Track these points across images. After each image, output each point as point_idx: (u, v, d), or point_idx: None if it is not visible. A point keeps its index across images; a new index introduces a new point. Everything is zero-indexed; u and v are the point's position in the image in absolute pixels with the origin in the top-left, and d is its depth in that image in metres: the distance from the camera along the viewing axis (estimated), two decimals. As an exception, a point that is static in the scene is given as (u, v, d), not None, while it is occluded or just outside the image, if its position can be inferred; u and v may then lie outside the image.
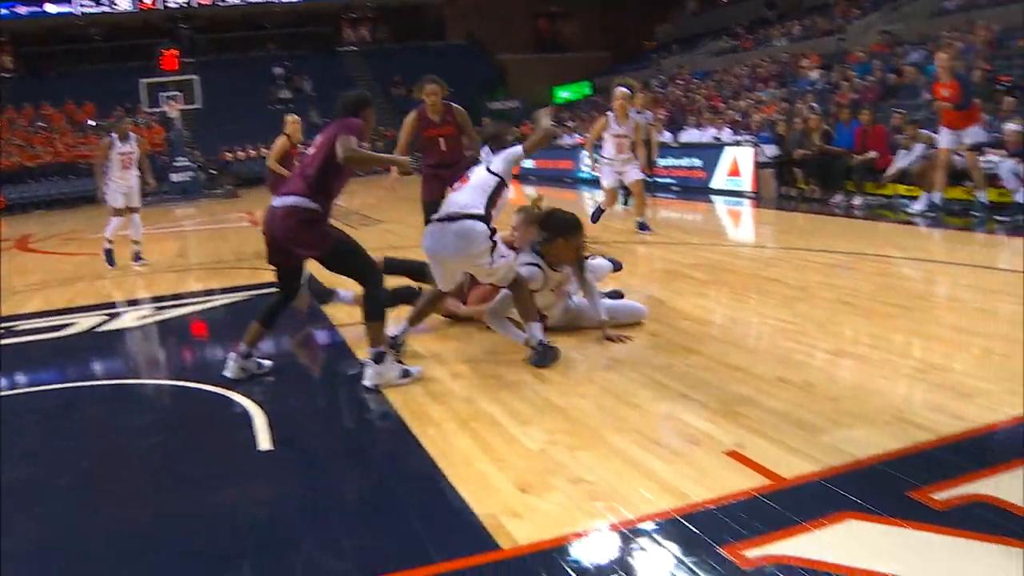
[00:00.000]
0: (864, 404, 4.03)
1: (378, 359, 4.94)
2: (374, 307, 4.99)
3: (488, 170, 5.39)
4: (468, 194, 5.27)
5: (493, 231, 5.16)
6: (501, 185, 5.33)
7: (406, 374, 5.02)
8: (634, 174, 10.55)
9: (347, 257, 5.02)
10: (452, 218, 5.17)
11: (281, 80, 41.84)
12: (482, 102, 38.27)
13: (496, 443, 3.92)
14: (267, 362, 5.52)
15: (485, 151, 5.76)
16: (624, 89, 10.59)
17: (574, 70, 42.36)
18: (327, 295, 6.67)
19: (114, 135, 11.32)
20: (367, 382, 4.93)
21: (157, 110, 33.71)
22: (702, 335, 5.55)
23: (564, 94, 40.25)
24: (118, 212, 11.34)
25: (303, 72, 42.47)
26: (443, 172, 7.45)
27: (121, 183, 11.21)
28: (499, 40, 43.73)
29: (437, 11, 47.18)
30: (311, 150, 5.07)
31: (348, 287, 6.14)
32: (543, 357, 5.09)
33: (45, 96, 39.63)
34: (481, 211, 5.14)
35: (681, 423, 3.97)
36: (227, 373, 5.31)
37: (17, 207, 29.82)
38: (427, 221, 6.70)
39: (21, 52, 44.72)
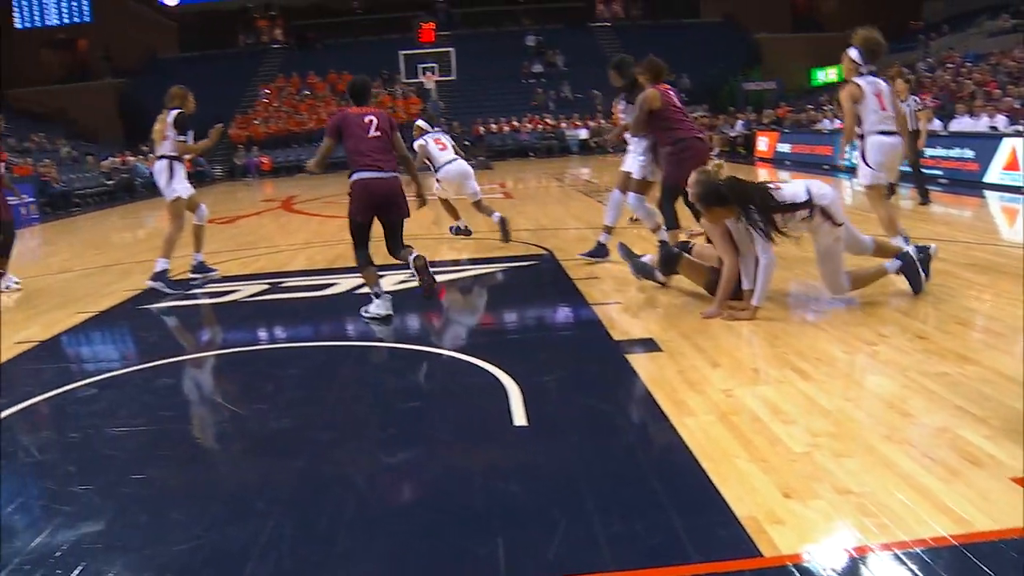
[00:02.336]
0: None
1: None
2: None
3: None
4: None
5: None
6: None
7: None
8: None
9: None
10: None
11: (534, 53, 42.38)
12: (737, 83, 37.43)
13: (758, 441, 3.76)
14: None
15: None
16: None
17: (833, 51, 40.52)
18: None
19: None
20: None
21: (414, 81, 34.99)
22: (978, 343, 5.13)
23: (822, 75, 38.67)
24: None
25: (556, 47, 42.85)
26: None
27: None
28: (755, 18, 42.52)
29: (692, -12, 46.37)
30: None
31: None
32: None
33: (311, 66, 42.01)
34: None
35: (959, 439, 3.66)
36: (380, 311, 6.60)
37: (283, 170, 31.84)
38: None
39: (291, 25, 47.57)
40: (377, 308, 6.63)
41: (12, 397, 5.14)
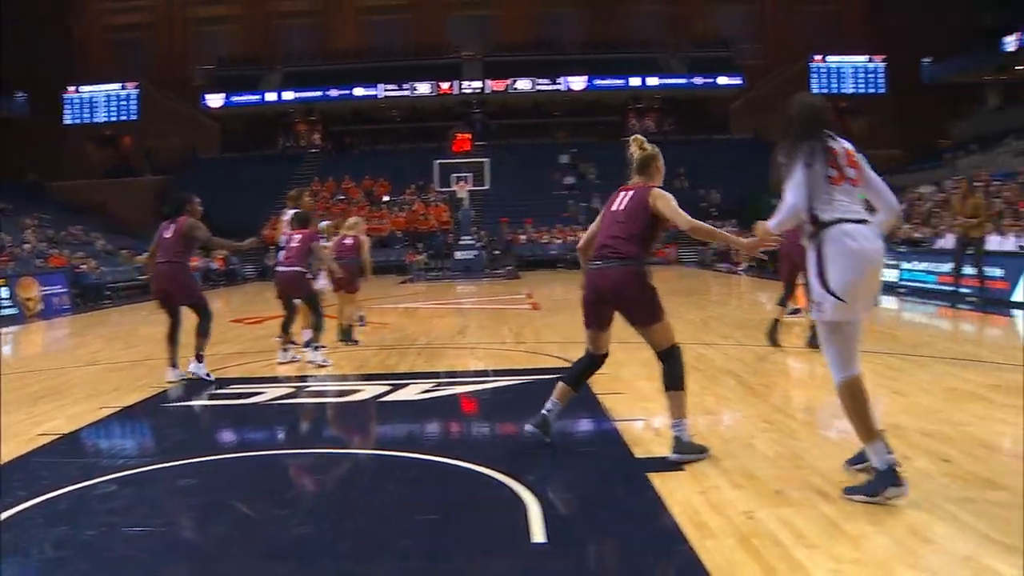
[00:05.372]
0: None
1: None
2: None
3: None
4: None
5: None
6: None
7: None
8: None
9: None
10: None
11: (567, 167, 43.05)
12: (766, 199, 37.76)
13: (780, 567, 3.68)
14: None
15: None
16: None
17: (862, 167, 40.98)
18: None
19: None
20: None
21: (448, 190, 35.57)
22: (1005, 467, 5.04)
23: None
24: None
25: (588, 159, 43.52)
26: None
27: None
28: (784, 135, 42.97)
29: (724, 105, 47.24)
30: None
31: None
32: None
33: (347, 171, 42.86)
34: None
35: (986, 569, 3.59)
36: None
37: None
38: None
39: (329, 131, 48.83)
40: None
41: (31, 490, 5.15)
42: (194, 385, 8.74)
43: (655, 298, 5.47)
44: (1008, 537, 3.90)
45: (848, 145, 4.68)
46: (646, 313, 5.46)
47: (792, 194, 4.52)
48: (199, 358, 8.92)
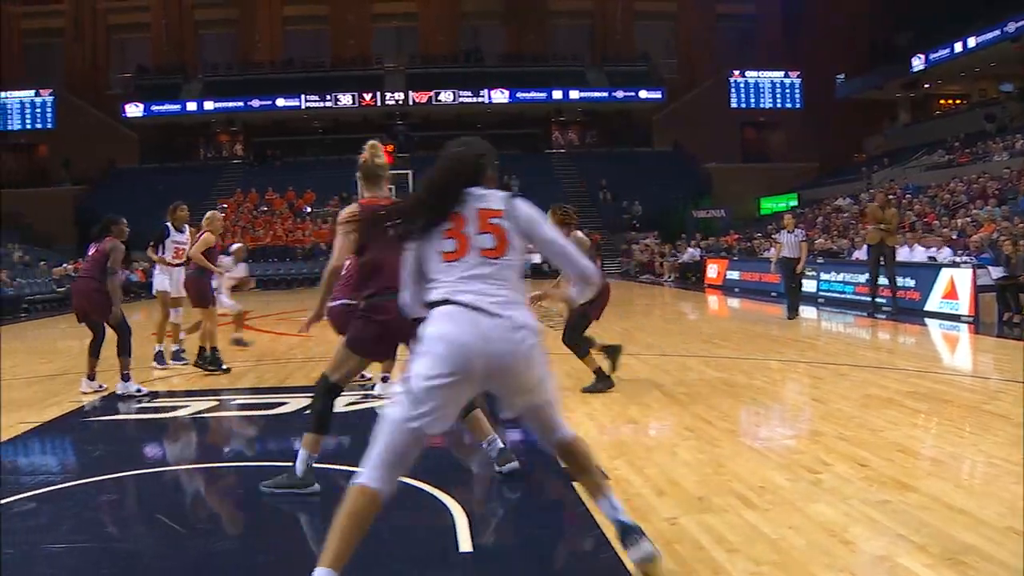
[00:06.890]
0: (1111, 567, 3.67)
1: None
2: None
3: None
4: None
5: None
6: None
7: None
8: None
9: None
10: None
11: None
12: (687, 210, 38.27)
13: (701, 570, 3.77)
14: None
15: None
16: None
17: (780, 181, 41.93)
18: None
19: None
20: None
21: (372, 201, 35.27)
22: (919, 471, 5.23)
23: (771, 204, 39.91)
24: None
25: (512, 171, 43.62)
26: None
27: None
28: (705, 149, 43.87)
29: (646, 118, 47.83)
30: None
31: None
32: None
33: (269, 183, 42.31)
34: None
35: (899, 567, 3.72)
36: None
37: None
38: None
39: (252, 142, 48.14)
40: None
41: (-52, 511, 5.01)
42: (114, 399, 8.59)
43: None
44: (920, 536, 4.05)
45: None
46: None
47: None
48: (125, 377, 8.82)
